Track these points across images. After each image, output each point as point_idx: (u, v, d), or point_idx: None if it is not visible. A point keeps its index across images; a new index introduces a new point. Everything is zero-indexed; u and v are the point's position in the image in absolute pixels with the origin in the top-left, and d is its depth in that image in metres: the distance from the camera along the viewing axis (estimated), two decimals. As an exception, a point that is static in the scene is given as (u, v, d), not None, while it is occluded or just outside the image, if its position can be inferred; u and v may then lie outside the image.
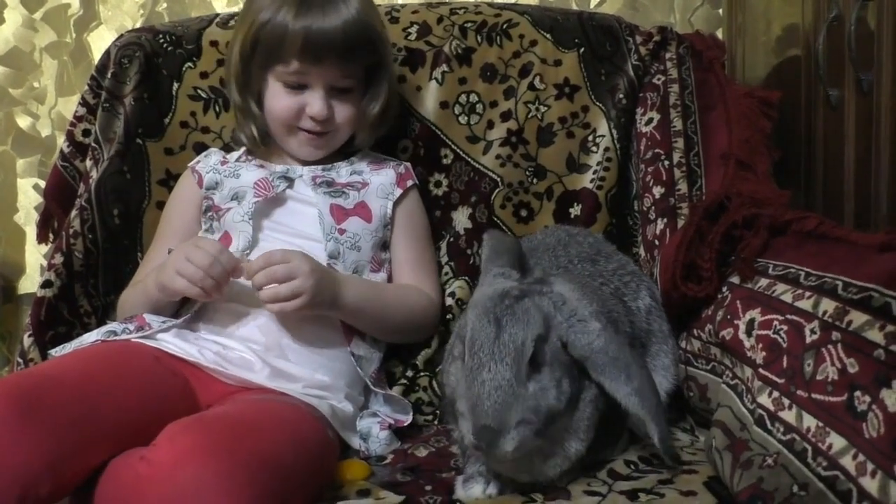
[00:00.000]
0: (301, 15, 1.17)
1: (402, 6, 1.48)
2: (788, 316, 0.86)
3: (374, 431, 1.12)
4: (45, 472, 0.82)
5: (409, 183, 1.32)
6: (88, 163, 1.34)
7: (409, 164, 1.35)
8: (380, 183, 1.29)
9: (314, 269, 1.10)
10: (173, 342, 1.09)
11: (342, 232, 1.22)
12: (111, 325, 1.13)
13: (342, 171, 1.29)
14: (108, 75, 1.36)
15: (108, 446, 0.89)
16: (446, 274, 1.37)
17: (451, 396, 0.93)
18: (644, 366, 0.90)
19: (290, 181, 1.25)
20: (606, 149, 1.40)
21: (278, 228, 1.22)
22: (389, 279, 1.28)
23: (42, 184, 1.73)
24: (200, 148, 1.38)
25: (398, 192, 1.30)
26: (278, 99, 1.23)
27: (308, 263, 1.09)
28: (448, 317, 1.32)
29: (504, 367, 0.83)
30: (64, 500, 0.91)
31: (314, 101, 1.21)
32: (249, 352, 1.11)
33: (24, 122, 1.83)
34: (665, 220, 1.25)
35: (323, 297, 1.11)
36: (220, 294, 1.10)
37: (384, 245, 1.28)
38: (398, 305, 1.22)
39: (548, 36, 1.43)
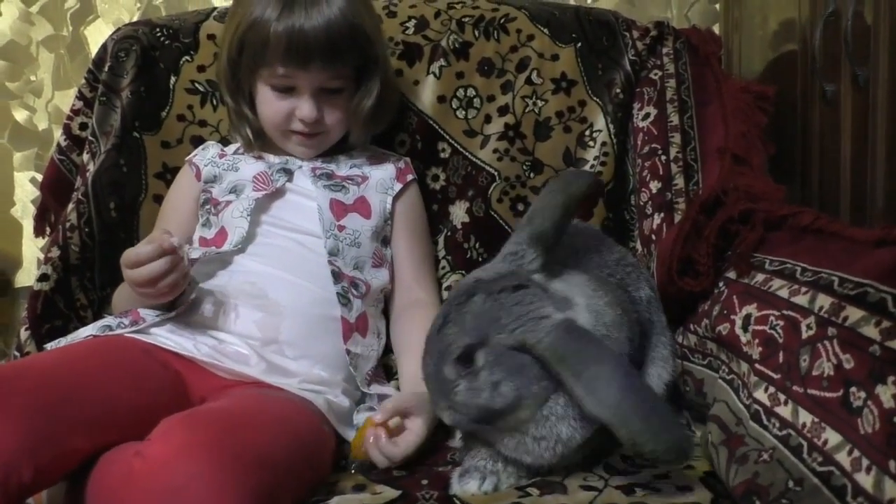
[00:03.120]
0: (284, 16, 1.15)
1: (400, 0, 1.47)
2: (785, 311, 0.86)
3: (369, 425, 1.12)
4: (23, 456, 0.81)
5: (409, 177, 1.33)
6: (85, 156, 1.33)
7: (408, 159, 1.35)
8: (379, 178, 1.29)
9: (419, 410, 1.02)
10: (168, 336, 1.09)
11: (341, 229, 1.21)
12: (106, 320, 1.13)
13: (342, 164, 1.29)
14: (105, 69, 1.35)
15: (89, 434, 0.88)
16: (443, 268, 1.37)
17: None
18: (613, 362, 0.82)
19: (290, 173, 1.25)
20: (603, 143, 1.40)
21: (276, 223, 1.21)
22: (392, 277, 1.28)
23: (39, 177, 1.73)
24: (197, 141, 1.38)
25: (398, 186, 1.30)
26: (268, 104, 1.22)
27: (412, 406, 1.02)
28: (445, 311, 1.32)
29: (432, 359, 0.89)
30: (61, 494, 0.92)
31: (302, 105, 1.21)
32: (245, 346, 1.10)
33: (20, 115, 1.83)
34: (662, 214, 1.25)
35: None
36: (187, 271, 1.08)
37: (385, 240, 1.28)
38: None
39: (545, 30, 1.43)
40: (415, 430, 1.01)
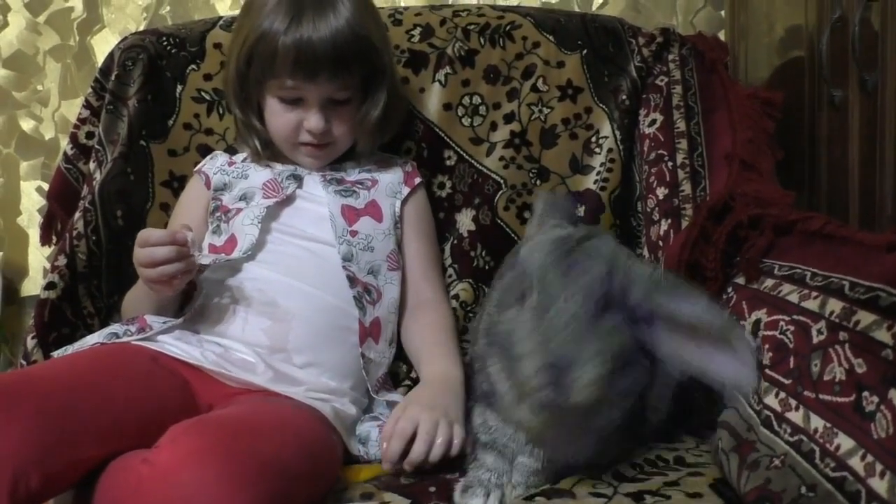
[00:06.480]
0: (292, 29, 1.15)
1: (405, 8, 1.48)
2: (795, 316, 0.86)
3: (372, 435, 1.11)
4: (31, 464, 0.81)
5: (417, 181, 1.33)
6: (92, 165, 1.34)
7: (414, 162, 1.36)
8: (388, 181, 1.30)
9: (424, 407, 1.03)
10: (175, 344, 1.08)
11: (354, 234, 1.21)
12: (113, 327, 1.13)
13: (350, 170, 1.30)
14: (112, 77, 1.36)
15: (98, 442, 0.88)
16: (450, 276, 1.37)
17: (504, 344, 0.85)
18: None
19: (300, 179, 1.26)
20: (609, 150, 1.40)
21: (286, 231, 1.21)
22: (403, 278, 1.28)
23: (45, 186, 1.73)
24: (204, 150, 1.38)
25: (406, 190, 1.31)
26: (276, 116, 1.23)
27: (416, 407, 1.03)
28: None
29: (575, 302, 0.79)
30: (69, 501, 0.92)
31: (311, 117, 1.21)
32: (253, 354, 1.10)
33: (27, 124, 1.83)
34: (669, 220, 1.25)
35: (448, 408, 1.04)
36: (192, 269, 1.09)
37: (397, 242, 1.28)
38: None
39: (550, 38, 1.43)
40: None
